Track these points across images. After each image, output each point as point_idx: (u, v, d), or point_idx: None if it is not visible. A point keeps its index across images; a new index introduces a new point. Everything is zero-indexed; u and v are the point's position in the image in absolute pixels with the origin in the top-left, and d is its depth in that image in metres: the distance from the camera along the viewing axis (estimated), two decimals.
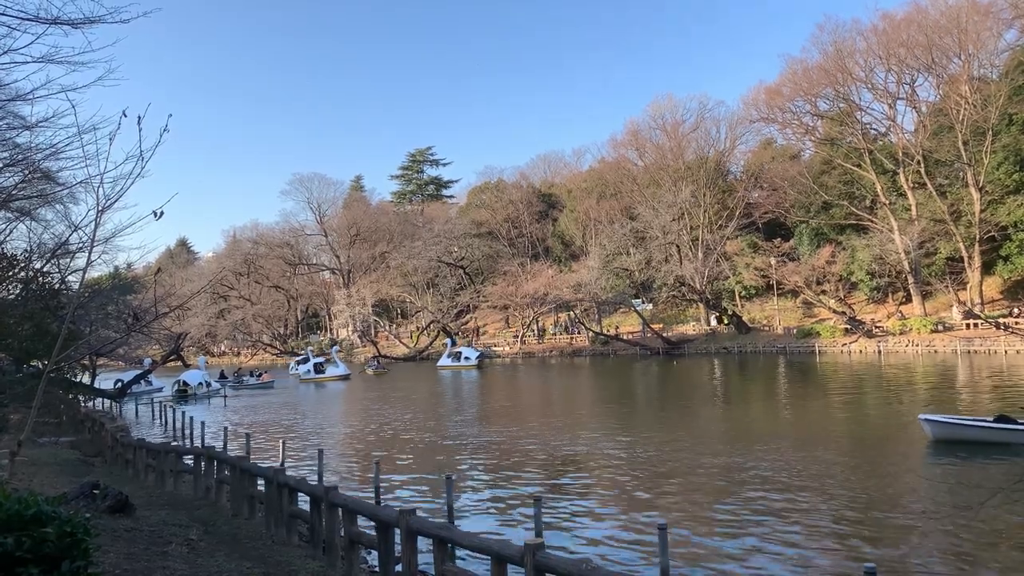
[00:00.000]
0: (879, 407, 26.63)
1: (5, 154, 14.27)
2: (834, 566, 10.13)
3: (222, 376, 61.58)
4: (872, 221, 62.08)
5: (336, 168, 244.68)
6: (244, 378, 58.28)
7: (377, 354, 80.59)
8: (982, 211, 55.18)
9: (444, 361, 66.87)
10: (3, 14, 8.72)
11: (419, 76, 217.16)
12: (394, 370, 67.63)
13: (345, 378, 59.11)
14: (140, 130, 5.10)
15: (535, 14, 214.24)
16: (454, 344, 71.91)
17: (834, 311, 61.27)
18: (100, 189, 5.43)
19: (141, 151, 5.26)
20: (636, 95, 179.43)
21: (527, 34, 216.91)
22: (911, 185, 60.42)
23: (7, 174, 14.92)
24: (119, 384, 46.20)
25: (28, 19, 9.04)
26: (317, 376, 59.68)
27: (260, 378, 59.02)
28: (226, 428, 21.04)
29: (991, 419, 18.20)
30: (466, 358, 65.52)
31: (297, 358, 71.56)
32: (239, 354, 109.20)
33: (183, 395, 46.96)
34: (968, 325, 53.27)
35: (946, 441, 17.90)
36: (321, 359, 64.34)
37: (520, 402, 36.66)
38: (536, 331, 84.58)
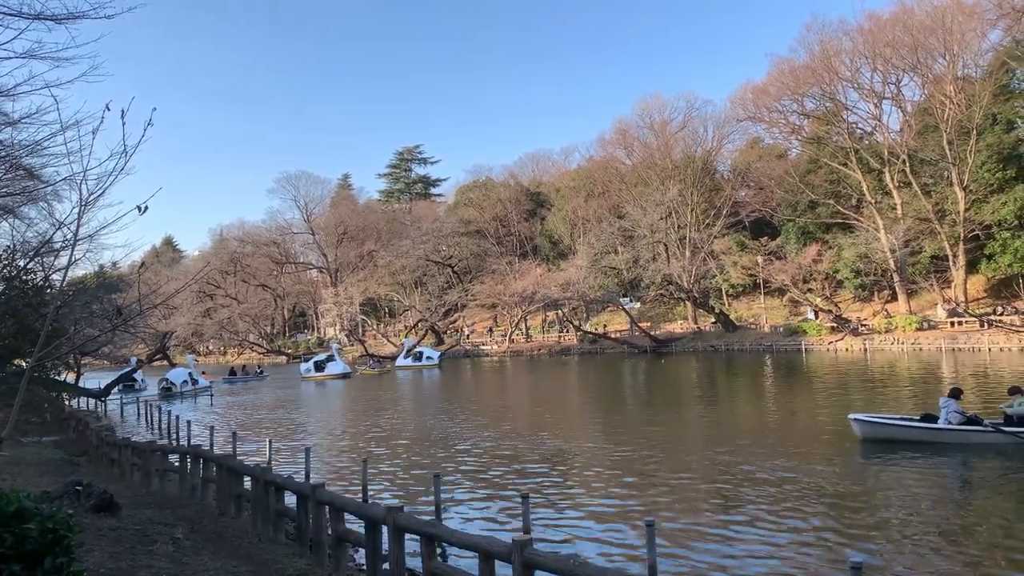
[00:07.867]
0: (865, 405, 26.79)
1: None
2: (822, 561, 10.19)
3: (231, 373, 61.31)
4: (858, 220, 62.47)
5: (323, 166, 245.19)
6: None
7: (366, 352, 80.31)
8: (966, 210, 55.64)
9: (402, 361, 66.05)
10: None
11: (407, 74, 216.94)
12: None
13: (346, 376, 58.75)
14: (124, 124, 5.00)
15: (524, 12, 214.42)
16: (442, 342, 71.58)
17: (820, 309, 61.63)
18: (83, 186, 5.34)
19: (125, 146, 5.17)
20: (624, 94, 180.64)
21: (518, 32, 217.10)
22: (896, 184, 60.84)
23: None
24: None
25: (11, 14, 8.94)
26: (317, 374, 59.16)
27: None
28: (212, 427, 20.90)
29: (917, 417, 17.90)
30: (428, 358, 65.27)
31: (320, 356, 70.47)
32: (225, 353, 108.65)
33: (168, 393, 46.75)
34: (953, 323, 53.73)
35: (874, 440, 17.50)
36: (323, 356, 63.96)
37: (507, 401, 36.66)
38: (524, 329, 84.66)
